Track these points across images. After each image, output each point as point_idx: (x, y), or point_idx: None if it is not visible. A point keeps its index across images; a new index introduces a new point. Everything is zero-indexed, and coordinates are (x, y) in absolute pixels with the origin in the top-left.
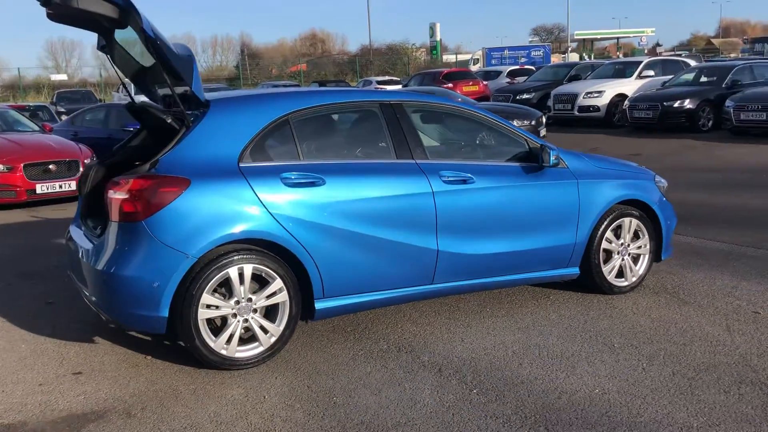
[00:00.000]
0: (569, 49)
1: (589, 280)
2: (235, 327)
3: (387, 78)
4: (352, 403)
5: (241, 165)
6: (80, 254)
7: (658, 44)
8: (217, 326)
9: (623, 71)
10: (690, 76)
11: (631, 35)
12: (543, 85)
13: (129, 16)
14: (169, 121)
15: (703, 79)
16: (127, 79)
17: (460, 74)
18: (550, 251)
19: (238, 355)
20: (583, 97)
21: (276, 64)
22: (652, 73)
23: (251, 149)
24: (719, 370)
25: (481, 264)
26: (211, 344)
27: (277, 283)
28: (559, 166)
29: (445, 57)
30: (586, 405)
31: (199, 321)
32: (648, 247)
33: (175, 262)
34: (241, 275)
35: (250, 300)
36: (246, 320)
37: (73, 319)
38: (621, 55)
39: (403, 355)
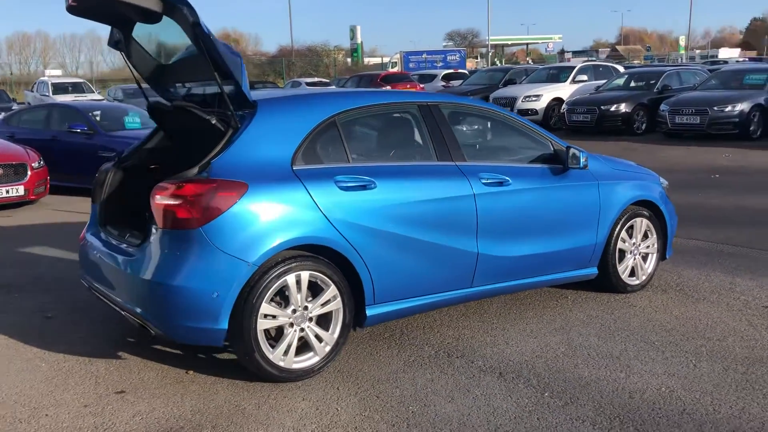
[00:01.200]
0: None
1: (605, 280)
2: (292, 337)
3: (316, 80)
4: (430, 411)
5: (295, 168)
6: (114, 264)
7: (563, 50)
8: (271, 337)
9: (557, 76)
10: (621, 81)
11: (539, 41)
12: (480, 89)
13: (176, 9)
14: (213, 122)
15: (633, 84)
16: (137, 75)
17: (397, 77)
18: (575, 252)
19: (294, 366)
20: (522, 101)
21: None
22: (585, 77)
23: (303, 151)
24: (765, 364)
25: (516, 266)
26: (270, 356)
27: (332, 290)
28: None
29: (364, 60)
30: (661, 403)
31: (258, 332)
32: (656, 246)
33: (235, 270)
34: (298, 282)
35: (305, 308)
36: (302, 329)
37: (83, 334)
38: (530, 61)
39: (456, 360)
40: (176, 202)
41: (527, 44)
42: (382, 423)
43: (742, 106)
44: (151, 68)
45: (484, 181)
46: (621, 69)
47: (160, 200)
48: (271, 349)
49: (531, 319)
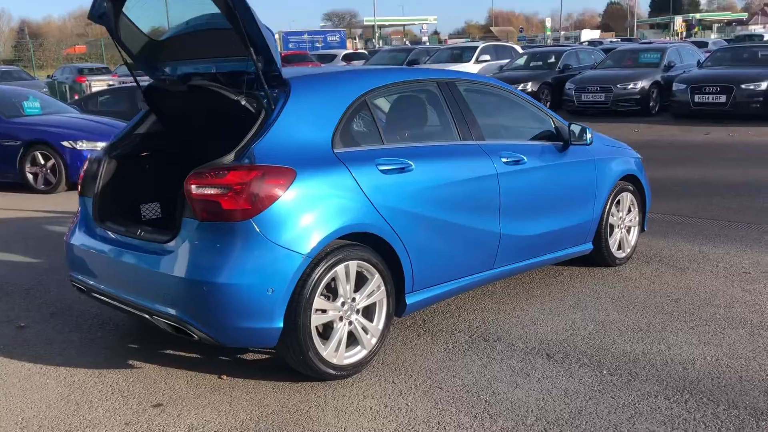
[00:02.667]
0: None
1: (598, 255)
2: (342, 331)
3: None
4: (504, 399)
5: (336, 151)
6: (131, 262)
7: (436, 32)
8: (319, 333)
9: (460, 56)
10: (522, 61)
11: (415, 22)
12: None
13: None
14: (243, 103)
15: (534, 63)
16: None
17: (298, 57)
18: (578, 228)
19: (345, 362)
20: None
21: (51, 44)
22: (488, 57)
23: (340, 133)
24: None
25: (531, 244)
26: (323, 353)
27: (377, 279)
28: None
29: None
30: (716, 373)
31: (312, 328)
32: (638, 219)
33: (290, 263)
34: (347, 273)
35: (353, 300)
36: (350, 323)
37: (74, 342)
38: (408, 42)
39: (495, 344)
40: (219, 192)
41: (404, 25)
42: (462, 415)
43: (643, 84)
44: (142, 45)
45: (504, 159)
46: (519, 49)
47: (199, 190)
48: (322, 346)
49: (542, 297)
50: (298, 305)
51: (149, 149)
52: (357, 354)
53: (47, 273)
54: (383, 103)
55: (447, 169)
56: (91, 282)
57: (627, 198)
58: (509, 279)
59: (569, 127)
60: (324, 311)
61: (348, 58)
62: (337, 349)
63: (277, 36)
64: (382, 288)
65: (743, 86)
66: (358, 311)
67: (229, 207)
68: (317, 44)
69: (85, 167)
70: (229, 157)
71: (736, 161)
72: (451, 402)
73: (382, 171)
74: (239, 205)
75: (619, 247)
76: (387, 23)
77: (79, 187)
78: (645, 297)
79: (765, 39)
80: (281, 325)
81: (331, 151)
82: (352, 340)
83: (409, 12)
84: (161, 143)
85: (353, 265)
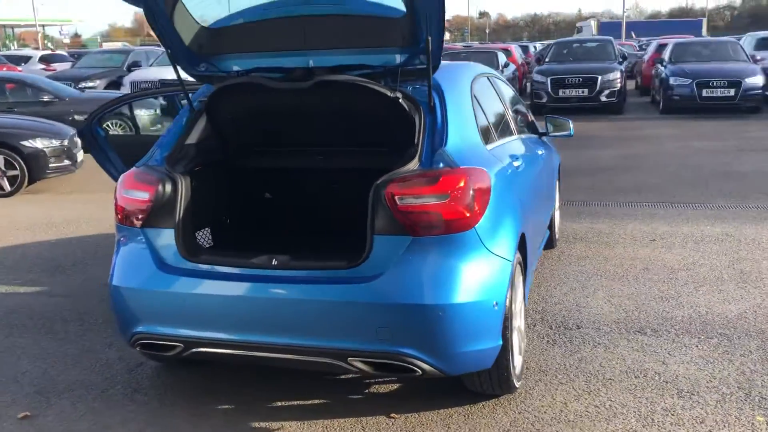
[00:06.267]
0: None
1: (550, 238)
2: (520, 339)
3: None
4: (665, 377)
5: (488, 148)
6: (297, 298)
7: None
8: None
9: None
10: None
11: (56, 23)
12: (104, 72)
13: None
14: (401, 100)
15: None
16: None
17: None
18: (548, 217)
19: (518, 371)
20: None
21: None
22: None
23: (480, 129)
24: (757, 281)
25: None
26: (517, 365)
27: (519, 276)
28: None
29: None
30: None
31: (513, 340)
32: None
33: (504, 272)
34: (518, 275)
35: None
36: (518, 327)
37: (145, 392)
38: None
39: (590, 331)
40: (435, 202)
41: (43, 26)
42: (667, 398)
43: None
44: (193, 33)
45: (539, 151)
46: None
47: (406, 201)
48: (518, 357)
49: (561, 279)
50: (507, 318)
51: (203, 162)
52: (519, 360)
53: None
54: (483, 95)
55: (533, 161)
56: (200, 334)
57: (557, 186)
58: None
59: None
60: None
61: (47, 60)
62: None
63: None
64: (521, 285)
65: None
66: (520, 313)
67: (452, 217)
68: None
69: (141, 192)
70: (412, 163)
71: None
72: (622, 393)
73: (516, 167)
74: (460, 214)
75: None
76: (23, 23)
77: (140, 217)
78: (643, 269)
79: None
80: (501, 342)
81: (485, 149)
82: None
83: (45, 13)
84: (213, 155)
85: (517, 266)
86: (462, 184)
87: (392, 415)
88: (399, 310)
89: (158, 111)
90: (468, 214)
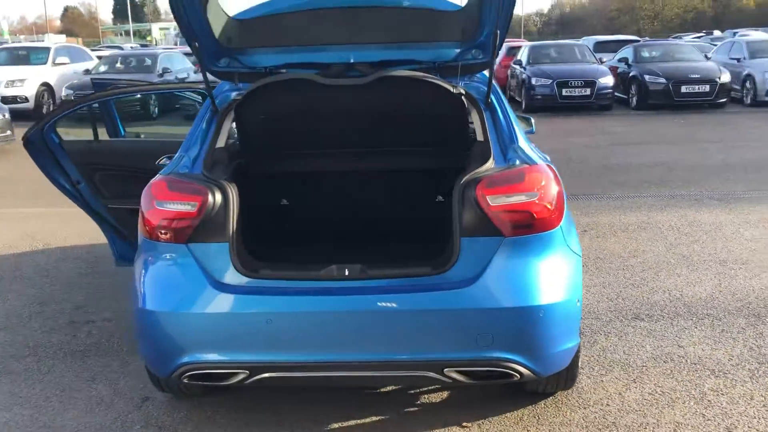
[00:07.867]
0: None
1: None
2: None
3: None
4: (690, 359)
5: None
6: (386, 310)
7: None
8: None
9: (28, 57)
10: (108, 65)
11: None
12: None
13: None
14: (463, 95)
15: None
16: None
17: None
18: None
19: None
20: (5, 87)
21: None
22: (66, 59)
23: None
24: (699, 263)
25: None
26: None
27: None
28: None
29: None
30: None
31: None
32: None
33: (579, 267)
34: None
35: None
36: None
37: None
38: None
39: (589, 321)
40: (525, 200)
41: None
42: (695, 387)
43: None
44: (223, 25)
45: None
46: (90, 51)
47: (498, 201)
48: None
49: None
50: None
51: (240, 167)
52: None
53: None
54: None
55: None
56: (268, 358)
57: None
58: None
59: None
60: None
61: None
62: None
63: None
64: None
65: None
66: None
67: (542, 215)
68: None
69: (184, 203)
70: (487, 164)
71: None
72: (683, 371)
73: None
74: (549, 212)
75: None
76: None
77: (185, 231)
78: (657, 255)
79: None
80: (579, 339)
81: (531, 145)
82: None
83: None
84: (243, 157)
85: None
86: (544, 182)
87: (464, 424)
88: (501, 315)
89: None
90: (555, 212)
